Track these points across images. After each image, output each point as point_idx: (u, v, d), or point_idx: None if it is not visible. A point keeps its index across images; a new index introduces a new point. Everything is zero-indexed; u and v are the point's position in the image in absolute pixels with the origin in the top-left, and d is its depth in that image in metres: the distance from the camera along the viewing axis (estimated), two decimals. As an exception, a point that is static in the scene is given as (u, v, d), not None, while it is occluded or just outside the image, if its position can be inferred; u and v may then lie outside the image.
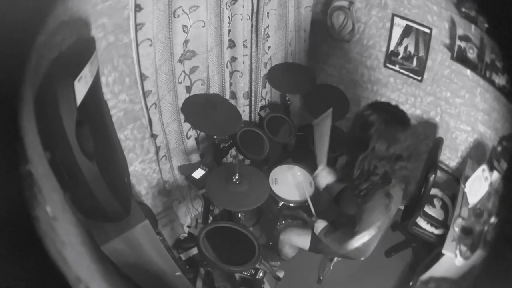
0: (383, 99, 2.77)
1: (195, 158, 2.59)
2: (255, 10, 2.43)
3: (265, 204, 2.17)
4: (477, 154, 2.39)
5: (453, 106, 2.46)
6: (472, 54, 2.16)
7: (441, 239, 2.09)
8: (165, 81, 2.11)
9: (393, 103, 2.67)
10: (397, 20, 2.47)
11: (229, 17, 2.29)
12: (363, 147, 1.69)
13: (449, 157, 2.60)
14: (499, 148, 1.98)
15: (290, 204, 2.29)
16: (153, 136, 2.22)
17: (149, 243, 1.66)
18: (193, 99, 2.32)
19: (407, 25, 2.44)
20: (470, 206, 2.00)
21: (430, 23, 2.33)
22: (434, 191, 2.41)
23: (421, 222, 2.33)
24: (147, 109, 2.10)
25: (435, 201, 2.41)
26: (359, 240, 1.80)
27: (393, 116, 1.68)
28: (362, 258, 1.96)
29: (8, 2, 0.86)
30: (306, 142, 2.60)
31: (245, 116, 2.78)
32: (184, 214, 2.70)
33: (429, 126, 2.64)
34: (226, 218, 2.49)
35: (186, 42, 2.13)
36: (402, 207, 2.53)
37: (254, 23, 2.47)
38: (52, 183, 1.21)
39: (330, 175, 2.07)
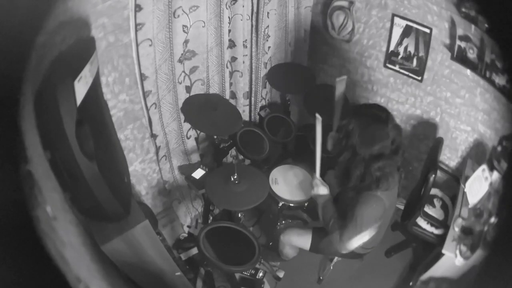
0: (382, 99, 2.77)
1: (195, 158, 2.59)
2: (255, 10, 2.43)
3: (265, 204, 2.17)
4: (477, 154, 2.39)
5: (453, 106, 2.46)
6: (472, 54, 2.16)
7: (441, 239, 2.08)
8: (165, 81, 2.11)
9: (393, 103, 2.72)
10: (397, 20, 2.47)
11: (229, 17, 2.29)
12: (350, 155, 1.71)
13: (449, 157, 2.60)
14: (499, 148, 1.98)
15: (290, 204, 2.29)
16: (153, 136, 2.22)
17: (149, 243, 1.66)
18: (193, 99, 2.32)
19: (407, 25, 2.44)
20: (470, 206, 2.00)
21: (430, 23, 2.33)
22: (434, 191, 2.41)
23: (421, 222, 2.32)
24: (147, 109, 2.10)
25: (435, 201, 2.41)
26: (359, 240, 1.81)
27: (368, 117, 1.69)
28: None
29: (8, 2, 0.86)
30: (306, 142, 2.60)
31: (245, 116, 2.78)
32: (184, 214, 2.70)
33: (429, 126, 2.64)
34: (226, 218, 2.48)
35: (186, 42, 2.13)
36: (402, 207, 2.53)
37: (254, 23, 2.47)
38: (52, 183, 1.21)
39: (323, 187, 1.98)
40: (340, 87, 2.13)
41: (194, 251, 2.52)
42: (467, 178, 2.05)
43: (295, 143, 2.93)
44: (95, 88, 1.40)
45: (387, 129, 1.65)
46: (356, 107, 1.86)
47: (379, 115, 1.69)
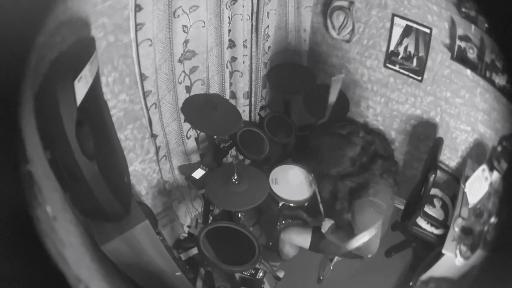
0: (382, 99, 2.77)
1: (195, 158, 2.59)
2: (255, 10, 2.43)
3: (265, 204, 2.18)
4: (477, 154, 2.39)
5: (453, 106, 2.46)
6: (472, 54, 2.16)
7: (441, 239, 2.08)
8: (165, 81, 2.11)
9: (393, 103, 2.71)
10: (397, 20, 2.47)
11: (229, 17, 2.29)
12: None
13: (449, 157, 2.59)
14: (499, 148, 1.98)
15: (290, 204, 2.29)
16: (153, 136, 2.22)
17: (149, 243, 1.66)
18: (193, 99, 2.32)
19: (407, 25, 2.44)
20: (470, 206, 2.00)
21: (430, 23, 2.33)
22: (434, 191, 2.41)
23: (421, 222, 2.32)
24: (147, 109, 2.10)
25: (435, 201, 2.41)
26: (360, 240, 1.81)
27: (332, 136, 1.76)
28: (369, 256, 2.03)
29: (8, 2, 0.86)
30: (306, 142, 2.60)
31: (245, 116, 2.78)
32: (184, 214, 2.70)
33: (429, 126, 2.63)
34: (226, 218, 2.48)
35: (186, 42, 2.13)
36: (402, 207, 2.53)
37: (254, 23, 2.47)
38: (52, 183, 1.21)
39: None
40: (336, 86, 2.15)
41: (194, 251, 2.52)
42: (467, 178, 2.05)
43: (295, 143, 2.93)
44: (95, 88, 1.40)
45: (352, 143, 1.69)
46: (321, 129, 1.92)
47: (339, 133, 1.73)
